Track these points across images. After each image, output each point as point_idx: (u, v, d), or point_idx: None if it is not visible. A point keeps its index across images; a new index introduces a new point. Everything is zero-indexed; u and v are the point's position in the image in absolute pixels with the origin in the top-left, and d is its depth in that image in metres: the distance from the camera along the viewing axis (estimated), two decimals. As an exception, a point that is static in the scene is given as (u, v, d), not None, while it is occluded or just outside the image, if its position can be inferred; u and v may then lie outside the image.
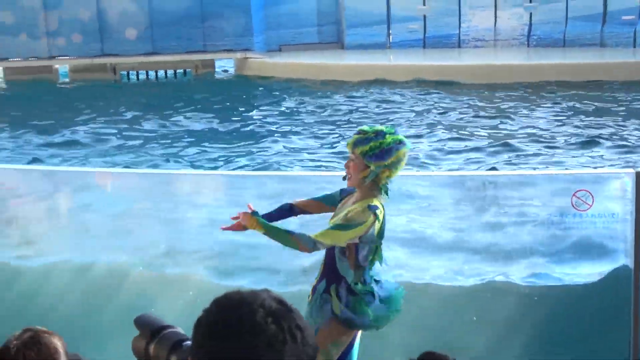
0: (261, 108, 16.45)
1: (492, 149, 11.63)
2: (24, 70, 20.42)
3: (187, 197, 5.93)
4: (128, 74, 20.76)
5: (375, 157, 3.92)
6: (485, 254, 5.61)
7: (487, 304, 5.29)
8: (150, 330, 1.78)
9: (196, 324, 1.50)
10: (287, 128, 13.97)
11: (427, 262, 5.78)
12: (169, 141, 13.62)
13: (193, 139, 13.60)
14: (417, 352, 2.95)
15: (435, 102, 15.53)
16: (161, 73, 20.92)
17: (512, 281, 5.41)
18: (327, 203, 4.29)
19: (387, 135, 3.96)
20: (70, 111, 16.66)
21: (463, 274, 5.59)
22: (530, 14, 19.70)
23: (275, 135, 13.57)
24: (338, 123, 14.17)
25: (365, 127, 4.08)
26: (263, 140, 13.22)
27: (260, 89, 18.41)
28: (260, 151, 12.37)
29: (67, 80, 20.91)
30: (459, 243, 5.73)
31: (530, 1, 19.68)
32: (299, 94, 17.32)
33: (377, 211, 3.92)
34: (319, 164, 11.51)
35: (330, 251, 4.06)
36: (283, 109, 15.97)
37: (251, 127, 14.41)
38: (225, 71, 21.52)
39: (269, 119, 14.95)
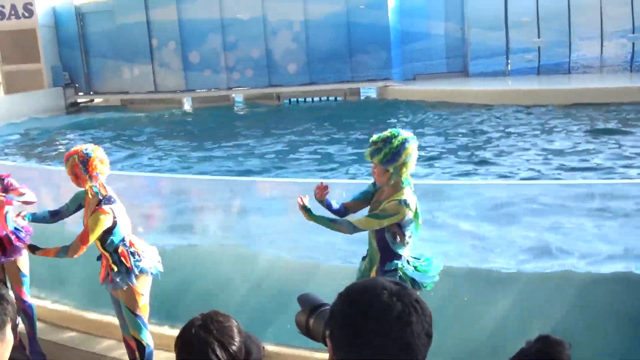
0: (398, 125, 16.85)
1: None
2: (208, 99, 22.94)
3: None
4: (290, 100, 22.81)
5: (389, 161, 4.27)
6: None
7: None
8: (310, 307, 1.94)
9: (331, 312, 1.64)
10: (421, 142, 15.52)
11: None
12: (319, 151, 14.59)
13: (342, 149, 14.54)
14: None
15: (547, 120, 16.05)
16: (316, 99, 22.77)
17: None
18: (365, 199, 4.64)
19: (393, 140, 4.29)
20: (245, 129, 18.56)
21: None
22: (633, 43, 20.59)
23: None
24: (464, 135, 15.05)
25: (374, 137, 4.39)
26: None
27: (398, 110, 19.51)
28: None
29: (241, 106, 23.09)
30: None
31: (633, 32, 20.53)
32: (431, 114, 18.23)
33: (408, 202, 4.27)
34: (450, 170, 12.03)
35: (382, 237, 4.41)
36: (417, 125, 16.69)
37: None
38: (369, 97, 22.76)
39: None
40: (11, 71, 24.15)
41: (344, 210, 4.61)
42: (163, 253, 5.30)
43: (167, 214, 7.27)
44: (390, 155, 4.22)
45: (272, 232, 6.45)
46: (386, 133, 4.31)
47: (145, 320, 5.14)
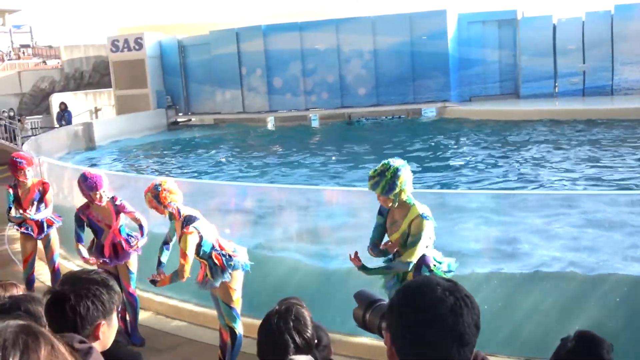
0: (456, 141, 17.86)
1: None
2: (288, 119, 24.19)
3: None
4: (359, 119, 23.96)
5: (387, 191, 4.40)
6: None
7: None
8: (366, 303, 2.00)
9: (389, 309, 1.72)
10: (480, 156, 15.01)
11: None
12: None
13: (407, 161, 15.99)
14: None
15: (591, 135, 16.46)
16: (382, 118, 23.93)
17: None
18: (383, 231, 4.73)
19: (387, 172, 4.38)
20: (320, 144, 19.56)
21: None
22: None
23: (469, 161, 14.65)
24: (515, 150, 15.48)
25: (371, 172, 4.49)
26: (457, 165, 14.35)
27: (455, 127, 20.23)
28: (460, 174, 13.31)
29: (317, 125, 24.12)
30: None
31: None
32: (485, 131, 18.82)
33: (425, 213, 4.41)
34: (504, 184, 12.13)
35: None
36: (474, 141, 17.44)
37: (448, 154, 15.95)
38: (429, 117, 23.61)
39: (464, 149, 16.47)
40: (122, 95, 26.28)
41: (382, 252, 4.73)
42: (249, 252, 5.55)
43: (250, 219, 7.52)
44: (387, 186, 4.38)
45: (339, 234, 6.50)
46: (380, 166, 4.44)
47: (239, 311, 5.41)
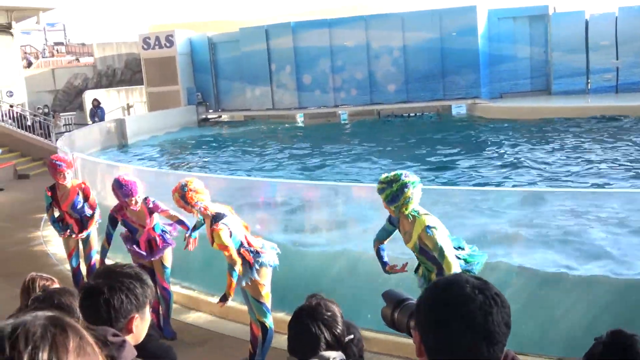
0: (488, 139, 17.89)
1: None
2: (317, 115, 24.19)
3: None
4: (388, 116, 23.87)
5: (389, 201, 4.48)
6: None
7: None
8: (395, 301, 2.01)
9: (417, 306, 1.71)
10: (511, 153, 14.93)
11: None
12: (419, 157, 15.04)
13: (437, 158, 14.99)
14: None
15: (618, 130, 16.64)
16: (412, 115, 23.86)
17: None
18: (389, 234, 4.91)
19: (394, 184, 4.42)
20: (350, 140, 19.47)
21: None
22: None
23: (503, 156, 14.75)
24: (548, 147, 15.44)
25: (382, 177, 4.54)
26: (495, 159, 14.41)
27: (487, 125, 20.10)
28: (492, 168, 13.46)
29: (346, 121, 24.02)
30: None
31: None
32: (516, 128, 18.69)
33: (431, 225, 4.43)
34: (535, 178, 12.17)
35: (431, 257, 4.55)
36: (504, 138, 17.32)
37: (483, 150, 15.91)
38: (459, 113, 23.70)
39: (493, 147, 16.38)
40: (153, 92, 26.49)
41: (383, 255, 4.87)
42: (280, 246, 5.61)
43: (279, 215, 7.59)
44: (390, 197, 4.44)
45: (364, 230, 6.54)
46: (391, 175, 4.47)
47: (269, 306, 5.45)
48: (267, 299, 5.38)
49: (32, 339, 1.21)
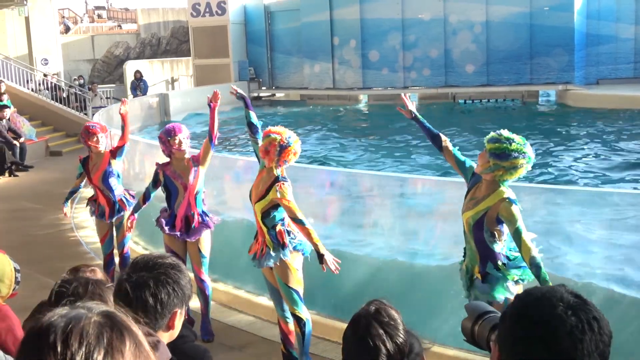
0: (580, 132, 17.47)
1: None
2: (383, 97, 24.04)
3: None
4: (465, 101, 23.67)
5: (495, 156, 4.43)
6: None
7: None
8: (477, 314, 2.06)
9: (502, 317, 1.72)
10: (602, 149, 14.92)
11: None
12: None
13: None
14: None
15: None
16: (492, 101, 23.48)
17: None
18: (458, 165, 4.90)
19: (514, 144, 4.41)
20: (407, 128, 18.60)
21: None
22: None
23: (587, 154, 14.70)
24: None
25: (504, 131, 4.55)
26: (577, 158, 14.41)
27: (578, 115, 19.80)
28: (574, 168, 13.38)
29: (416, 104, 24.85)
30: None
31: None
32: (618, 121, 18.43)
33: (512, 198, 4.45)
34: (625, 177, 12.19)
35: (480, 237, 4.57)
36: (599, 133, 16.95)
37: (570, 148, 15.46)
38: (548, 101, 23.42)
39: (582, 140, 16.26)
40: (201, 64, 26.69)
41: (438, 140, 4.94)
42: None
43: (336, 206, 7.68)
44: (499, 151, 4.40)
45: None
46: (517, 137, 4.47)
47: (302, 294, 5.49)
48: (299, 284, 5.46)
49: (86, 338, 1.23)
